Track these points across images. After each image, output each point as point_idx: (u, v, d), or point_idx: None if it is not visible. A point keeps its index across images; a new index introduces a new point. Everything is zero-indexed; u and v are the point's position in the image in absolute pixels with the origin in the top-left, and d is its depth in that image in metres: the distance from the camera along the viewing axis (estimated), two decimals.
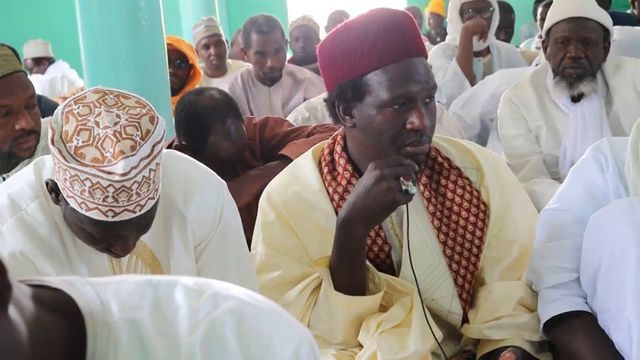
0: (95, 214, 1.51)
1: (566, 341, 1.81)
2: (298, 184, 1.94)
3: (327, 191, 1.91)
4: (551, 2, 3.12)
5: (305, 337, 0.94)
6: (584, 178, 1.88)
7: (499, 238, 1.96)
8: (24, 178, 1.74)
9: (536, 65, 3.69)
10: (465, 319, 1.94)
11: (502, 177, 1.98)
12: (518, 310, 1.89)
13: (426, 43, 4.18)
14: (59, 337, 0.83)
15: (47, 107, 3.58)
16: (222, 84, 4.38)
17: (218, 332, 0.89)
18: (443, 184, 1.93)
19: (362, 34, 1.78)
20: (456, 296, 1.91)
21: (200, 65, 4.54)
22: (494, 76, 3.98)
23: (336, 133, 1.98)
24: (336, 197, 1.90)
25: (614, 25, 3.11)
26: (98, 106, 1.51)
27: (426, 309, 1.83)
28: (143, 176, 1.50)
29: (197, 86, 3.91)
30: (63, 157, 1.49)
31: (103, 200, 1.49)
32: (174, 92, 3.63)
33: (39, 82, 6.27)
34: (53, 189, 1.58)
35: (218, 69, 4.86)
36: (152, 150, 1.51)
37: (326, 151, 1.96)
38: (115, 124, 1.49)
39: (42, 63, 6.90)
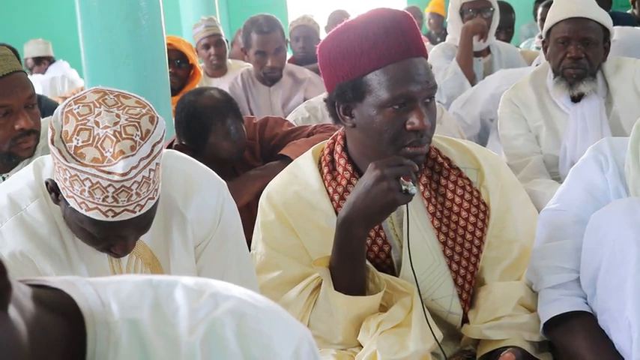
0: (95, 214, 1.51)
1: (566, 341, 1.81)
2: (298, 184, 1.94)
3: (327, 191, 1.91)
4: (552, 2, 3.12)
5: (305, 337, 0.94)
6: (584, 178, 1.88)
7: (499, 238, 1.96)
8: (24, 177, 1.74)
9: (537, 65, 3.69)
10: (465, 319, 1.94)
11: (502, 177, 1.98)
12: (518, 310, 1.89)
13: (426, 43, 4.19)
14: (59, 337, 0.83)
15: (47, 107, 3.58)
16: (222, 84, 4.38)
17: (218, 332, 0.88)
18: (443, 184, 1.92)
19: (362, 34, 1.78)
20: (455, 296, 1.91)
21: (200, 65, 4.54)
22: (494, 76, 3.98)
23: (336, 133, 1.98)
24: (336, 197, 1.90)
25: (614, 25, 3.11)
26: (98, 105, 1.51)
27: (426, 309, 1.83)
28: (143, 176, 1.50)
29: (197, 86, 3.91)
30: (63, 156, 1.49)
31: (103, 200, 1.49)
32: (174, 92, 3.63)
33: (39, 82, 6.28)
34: (53, 189, 1.58)
35: (218, 69, 4.86)
36: (152, 150, 1.51)
37: (326, 151, 1.96)
38: (115, 124, 1.49)
39: (42, 62, 6.90)
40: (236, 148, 2.65)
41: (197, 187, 1.79)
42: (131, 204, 1.51)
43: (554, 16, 3.00)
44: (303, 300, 1.87)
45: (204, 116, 2.62)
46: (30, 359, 0.79)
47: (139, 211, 1.54)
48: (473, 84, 4.17)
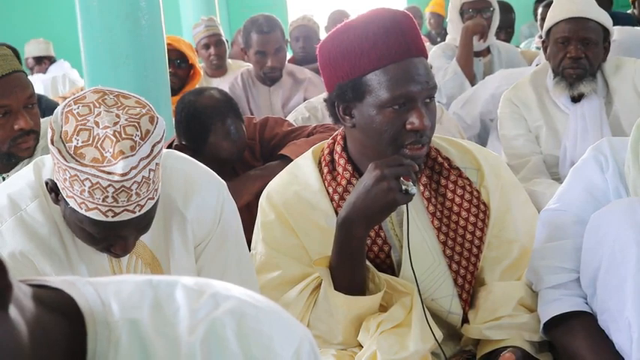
0: (95, 214, 1.51)
1: (566, 341, 1.81)
2: (298, 184, 1.94)
3: (327, 191, 1.91)
4: (552, 2, 3.12)
5: (305, 337, 0.94)
6: (584, 178, 1.88)
7: (499, 238, 1.96)
8: (24, 178, 1.73)
9: (537, 65, 3.69)
10: (465, 319, 1.94)
11: (502, 177, 1.98)
12: (518, 310, 1.89)
13: (426, 44, 4.19)
14: (59, 337, 0.83)
15: (47, 107, 3.58)
16: (222, 84, 4.38)
17: (218, 332, 0.89)
18: (443, 184, 1.92)
19: (362, 34, 1.78)
20: (455, 296, 1.91)
21: (200, 65, 4.54)
22: (494, 76, 3.98)
23: (336, 133, 1.98)
24: (336, 197, 1.90)
25: (614, 25, 3.11)
26: (98, 106, 1.51)
27: (425, 309, 1.83)
28: (143, 176, 1.50)
29: (197, 86, 3.91)
30: (62, 157, 1.49)
31: (103, 200, 1.49)
32: (174, 92, 3.63)
33: (40, 82, 6.28)
34: (53, 189, 1.58)
35: (218, 69, 4.86)
36: (152, 150, 1.51)
37: (326, 151, 1.96)
38: (115, 124, 1.49)
39: (43, 62, 6.90)
40: (236, 148, 2.65)
41: (197, 187, 1.79)
42: (131, 204, 1.51)
43: (554, 16, 3.00)
44: (303, 300, 1.87)
45: (204, 116, 2.62)
46: (30, 359, 0.79)
47: (139, 211, 1.54)
48: (473, 84, 4.17)
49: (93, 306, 0.86)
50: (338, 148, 1.93)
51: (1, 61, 2.14)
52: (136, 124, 1.50)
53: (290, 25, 5.15)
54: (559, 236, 1.87)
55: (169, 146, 2.67)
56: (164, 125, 1.56)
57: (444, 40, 4.68)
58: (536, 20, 5.87)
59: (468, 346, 1.95)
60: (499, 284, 1.94)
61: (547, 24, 3.04)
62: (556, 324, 1.82)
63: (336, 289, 1.81)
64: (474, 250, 1.92)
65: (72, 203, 1.53)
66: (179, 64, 4.19)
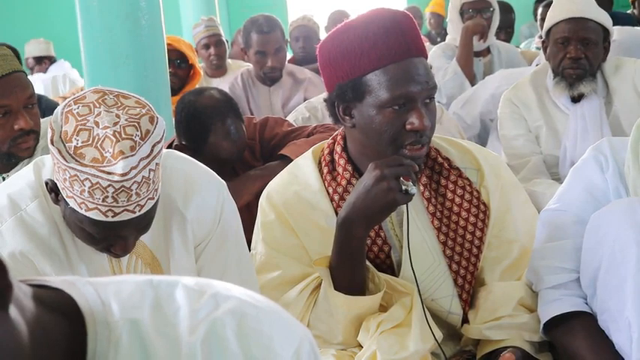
0: (95, 214, 1.51)
1: (566, 341, 1.81)
2: (298, 184, 1.94)
3: (327, 191, 1.91)
4: (552, 2, 3.12)
5: (305, 337, 0.94)
6: (584, 178, 1.88)
7: (499, 238, 1.96)
8: (24, 178, 1.73)
9: (537, 65, 3.69)
10: (465, 320, 1.94)
11: (502, 177, 1.98)
12: (518, 310, 1.89)
13: (426, 44, 4.18)
14: (60, 337, 0.84)
15: (47, 107, 3.58)
16: (222, 84, 4.38)
17: (219, 332, 0.89)
18: (443, 185, 1.92)
19: (362, 34, 1.78)
20: (455, 296, 1.91)
21: (200, 65, 4.54)
22: (494, 76, 3.98)
23: (336, 133, 1.98)
24: (336, 197, 1.90)
25: (614, 25, 3.11)
26: (98, 106, 1.51)
27: (425, 309, 1.83)
28: (143, 176, 1.50)
29: (197, 86, 3.91)
30: (62, 157, 1.49)
31: (103, 200, 1.49)
32: (174, 92, 3.63)
33: (41, 81, 6.28)
34: (53, 189, 1.58)
35: (218, 69, 4.86)
36: (152, 150, 1.51)
37: (326, 151, 1.96)
38: (115, 124, 1.49)
39: (43, 62, 6.91)
40: (236, 148, 2.65)
41: (197, 187, 1.79)
42: (131, 204, 1.51)
43: (554, 16, 3.00)
44: (303, 300, 1.87)
45: (204, 116, 2.62)
46: (30, 359, 0.79)
47: (139, 211, 1.54)
48: (473, 84, 4.17)
49: (93, 306, 0.86)
50: (338, 148, 1.93)
51: (1, 61, 2.14)
52: (136, 124, 1.50)
53: (290, 25, 5.15)
54: (559, 236, 1.87)
55: (169, 146, 2.67)
56: (164, 125, 1.56)
57: (444, 40, 4.68)
58: (536, 20, 5.87)
59: (468, 346, 1.95)
60: (499, 284, 1.94)
61: (547, 24, 3.04)
62: (556, 324, 1.83)
63: (336, 289, 1.81)
64: (474, 250, 1.92)
65: (72, 203, 1.53)
66: (179, 64, 4.19)
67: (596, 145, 1.90)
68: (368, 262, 1.86)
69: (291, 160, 2.13)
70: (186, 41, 4.48)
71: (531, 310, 1.90)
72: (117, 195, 1.49)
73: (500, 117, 3.21)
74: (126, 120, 1.50)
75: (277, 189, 1.96)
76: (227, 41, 5.15)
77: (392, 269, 1.91)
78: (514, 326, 1.86)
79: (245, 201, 2.57)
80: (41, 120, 2.24)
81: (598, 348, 1.74)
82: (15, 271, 0.77)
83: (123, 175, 1.47)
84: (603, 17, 2.96)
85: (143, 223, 1.60)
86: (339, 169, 1.91)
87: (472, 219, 1.91)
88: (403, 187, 1.72)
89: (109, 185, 1.47)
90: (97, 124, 1.49)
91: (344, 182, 1.89)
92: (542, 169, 3.07)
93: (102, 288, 0.89)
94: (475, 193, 1.93)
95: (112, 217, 1.52)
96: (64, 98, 4.40)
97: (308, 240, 1.90)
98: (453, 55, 4.31)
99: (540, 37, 3.70)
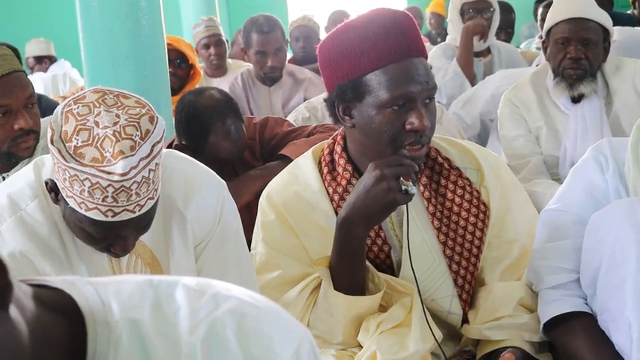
0: (94, 214, 1.51)
1: (566, 342, 1.81)
2: (298, 184, 1.94)
3: (327, 191, 1.91)
4: (552, 3, 3.12)
5: (305, 337, 0.94)
6: (584, 178, 1.88)
7: (499, 238, 1.96)
8: (23, 177, 1.73)
9: (537, 66, 3.69)
10: (465, 320, 1.93)
11: (502, 177, 1.98)
12: (518, 310, 1.89)
13: (427, 44, 4.18)
14: (60, 337, 0.83)
15: (48, 107, 3.58)
16: (222, 84, 4.38)
17: (219, 332, 0.89)
18: (443, 185, 1.92)
19: (362, 34, 1.78)
20: (455, 296, 1.91)
21: (200, 65, 4.54)
22: (494, 77, 3.98)
23: (336, 133, 1.97)
24: (336, 197, 1.90)
25: (614, 25, 3.11)
26: (98, 105, 1.51)
27: (425, 309, 1.83)
28: (143, 176, 1.50)
29: (197, 86, 3.91)
30: (62, 156, 1.49)
31: (103, 200, 1.49)
32: (174, 92, 3.63)
33: (41, 80, 6.28)
34: (53, 189, 1.58)
35: (218, 69, 4.86)
36: (152, 150, 1.51)
37: (326, 151, 1.96)
38: (115, 124, 1.49)
39: (44, 62, 6.91)
40: (236, 148, 2.65)
41: (197, 187, 1.79)
42: (131, 204, 1.51)
43: (554, 16, 3.00)
44: (302, 300, 1.87)
45: (204, 116, 2.62)
46: (30, 359, 0.79)
47: (139, 211, 1.54)
48: (473, 84, 4.17)
49: (93, 306, 0.86)
50: (338, 148, 1.93)
51: (1, 60, 2.13)
52: (136, 124, 1.50)
53: (290, 25, 5.15)
54: (559, 236, 1.87)
55: (169, 146, 2.67)
56: (164, 125, 1.56)
57: (445, 41, 4.68)
58: (536, 20, 5.88)
59: (468, 346, 1.95)
60: (499, 284, 1.94)
61: (547, 24, 3.04)
62: (556, 324, 1.82)
63: (336, 289, 1.81)
64: (474, 250, 1.92)
65: (72, 203, 1.53)
66: (179, 64, 4.19)
67: (596, 145, 1.90)
68: (368, 262, 1.86)
69: (291, 160, 2.13)
70: (186, 41, 4.48)
71: (531, 310, 1.90)
72: (117, 195, 1.49)
73: (501, 117, 3.21)
74: (126, 120, 1.50)
75: (277, 189, 1.96)
76: (227, 41, 5.14)
77: (392, 269, 1.91)
78: (514, 326, 1.86)
79: (245, 201, 2.57)
80: (41, 120, 2.24)
81: (598, 348, 1.74)
82: (15, 271, 0.77)
83: (123, 174, 1.47)
84: (603, 17, 2.96)
85: (143, 223, 1.60)
86: (339, 169, 1.91)
87: (472, 219, 1.91)
88: (403, 187, 1.72)
89: (109, 185, 1.47)
90: (96, 123, 1.49)
91: (344, 182, 1.89)
92: (543, 170, 3.07)
93: (102, 288, 0.89)
94: (475, 193, 1.93)
95: (112, 216, 1.52)
96: (64, 98, 4.40)
97: (308, 240, 1.90)
98: (454, 55, 4.31)
99: (540, 37, 3.70)
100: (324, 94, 1.92)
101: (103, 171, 1.47)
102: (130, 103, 1.54)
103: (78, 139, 1.48)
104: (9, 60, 2.16)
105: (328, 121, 2.21)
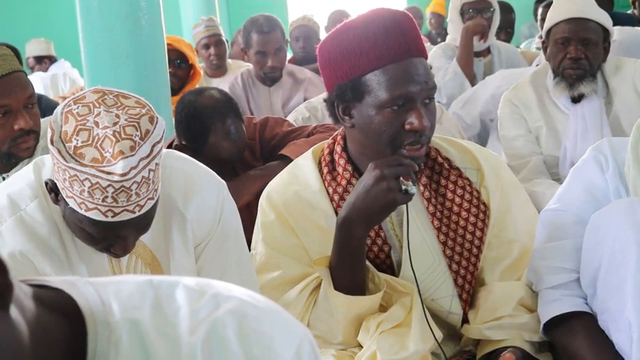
0: (94, 214, 1.51)
1: (566, 342, 1.81)
2: (298, 184, 1.94)
3: (327, 191, 1.91)
4: (552, 3, 3.12)
5: (306, 337, 0.94)
6: (584, 178, 1.88)
7: (499, 238, 1.96)
8: (23, 177, 1.73)
9: (537, 66, 3.69)
10: (465, 320, 1.94)
11: (502, 177, 1.98)
12: (518, 310, 1.89)
13: (427, 44, 4.18)
14: (60, 337, 0.84)
15: (48, 107, 3.58)
16: (222, 84, 4.38)
17: (219, 333, 0.89)
18: (443, 185, 1.92)
19: (362, 34, 1.78)
20: (455, 296, 1.91)
21: (200, 65, 4.54)
22: (494, 77, 3.98)
23: (336, 133, 1.97)
24: (336, 197, 1.90)
25: (614, 25, 3.11)
26: (97, 106, 1.51)
27: (425, 309, 1.83)
28: (142, 176, 1.50)
29: (197, 86, 3.91)
30: (62, 157, 1.49)
31: (103, 200, 1.49)
32: (174, 92, 3.63)
33: (40, 79, 6.28)
34: (52, 189, 1.58)
35: (218, 69, 4.86)
36: (151, 150, 1.51)
37: (326, 151, 1.96)
38: (115, 124, 1.49)
39: (44, 62, 6.91)
40: (236, 148, 2.65)
41: (197, 187, 1.79)
42: (131, 204, 1.51)
43: (554, 16, 3.00)
44: (302, 300, 1.87)
45: (204, 116, 2.62)
46: (31, 359, 0.79)
47: (139, 211, 1.54)
48: (473, 84, 4.17)
49: (93, 306, 0.86)
50: (338, 148, 1.93)
51: (1, 61, 2.13)
52: (136, 124, 1.50)
53: (290, 25, 5.15)
54: (559, 236, 1.87)
55: (169, 146, 2.67)
56: (164, 125, 1.56)
57: (445, 40, 4.68)
58: (536, 20, 5.88)
59: (468, 346, 1.95)
60: (499, 284, 1.94)
61: (547, 24, 3.04)
62: (556, 324, 1.83)
63: (336, 289, 1.81)
64: (474, 250, 1.92)
65: (71, 203, 1.53)
66: (179, 64, 4.19)
67: (596, 145, 1.90)
68: (368, 262, 1.86)
69: (291, 160, 2.13)
70: (186, 41, 4.48)
71: (531, 310, 1.90)
72: (116, 195, 1.49)
73: (501, 117, 3.21)
74: (126, 120, 1.50)
75: (277, 189, 1.96)
76: (227, 41, 5.14)
77: (392, 269, 1.91)
78: (514, 326, 1.86)
79: (245, 201, 2.57)
80: (41, 120, 2.24)
81: (598, 348, 1.74)
82: (15, 271, 0.77)
83: (123, 175, 1.47)
84: (603, 17, 2.96)
85: (143, 223, 1.60)
86: (339, 169, 1.91)
87: (472, 219, 1.91)
88: (403, 187, 1.72)
89: (109, 185, 1.47)
90: (96, 124, 1.49)
91: (344, 182, 1.89)
92: (543, 170, 3.07)
93: (102, 288, 0.89)
94: (475, 193, 1.93)
95: (112, 217, 1.52)
96: (64, 98, 4.40)
97: (308, 240, 1.90)
98: (454, 55, 4.31)
99: (540, 37, 3.70)
100: (324, 94, 1.92)
101: (103, 171, 1.47)
102: (129, 103, 1.54)
103: (78, 140, 1.48)
104: (9, 60, 2.15)
105: (328, 121, 2.21)
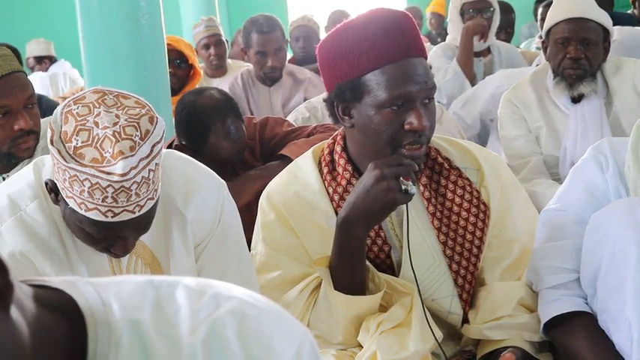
0: (94, 215, 1.51)
1: (566, 341, 1.81)
2: (298, 184, 1.94)
3: (327, 191, 1.91)
4: (552, 2, 3.12)
5: (306, 338, 0.94)
6: (584, 178, 1.88)
7: (499, 238, 1.96)
8: (23, 178, 1.73)
9: (537, 66, 3.69)
10: (465, 320, 1.93)
11: (502, 177, 1.98)
12: (518, 310, 1.89)
13: (427, 44, 4.17)
14: (60, 338, 0.84)
15: (48, 107, 3.58)
16: (222, 84, 4.38)
17: (219, 333, 0.89)
18: (443, 185, 1.92)
19: (361, 35, 1.78)
20: (456, 296, 1.91)
21: (200, 65, 4.54)
22: (494, 76, 3.98)
23: (336, 133, 1.97)
24: (336, 197, 1.90)
25: (614, 25, 3.11)
26: (97, 106, 1.51)
27: (426, 309, 1.83)
28: (142, 177, 1.50)
29: (197, 86, 3.91)
30: (62, 157, 1.49)
31: (103, 201, 1.49)
32: (174, 92, 3.63)
33: (40, 78, 6.28)
34: (52, 189, 1.58)
35: (218, 69, 4.86)
36: (151, 150, 1.51)
37: (326, 151, 1.96)
38: (115, 124, 1.49)
39: (44, 62, 6.91)
40: (236, 148, 2.65)
41: (197, 187, 1.79)
42: (130, 204, 1.51)
43: (553, 16, 3.00)
44: (303, 300, 1.87)
45: (204, 116, 2.62)
46: (31, 359, 0.79)
47: (139, 211, 1.54)
48: (473, 84, 4.17)
49: (93, 306, 0.86)
50: (338, 148, 1.93)
51: (1, 61, 2.13)
52: (136, 125, 1.50)
53: (290, 25, 5.15)
54: (559, 236, 1.87)
55: (169, 146, 2.67)
56: (164, 125, 1.56)
57: (445, 40, 4.68)
58: (536, 20, 5.88)
59: (468, 346, 1.95)
60: (499, 284, 1.94)
61: (547, 24, 3.04)
62: (556, 324, 1.83)
63: (336, 289, 1.81)
64: (474, 250, 1.92)
65: (71, 203, 1.53)
66: (179, 64, 4.19)
67: (596, 145, 1.90)
68: (368, 262, 1.86)
69: (291, 160, 2.13)
70: (186, 41, 4.48)
71: (531, 310, 1.90)
72: (116, 195, 1.49)
73: (501, 117, 3.21)
74: (125, 120, 1.50)
75: (277, 189, 1.96)
76: (227, 41, 5.14)
77: (392, 269, 1.91)
78: (514, 326, 1.86)
79: (245, 201, 2.57)
80: (41, 120, 2.24)
81: (598, 348, 1.74)
82: (15, 272, 0.77)
83: (122, 175, 1.47)
84: (603, 17, 2.96)
85: (143, 223, 1.60)
86: (339, 169, 1.91)
87: (472, 219, 1.91)
88: (403, 187, 1.72)
89: (109, 185, 1.47)
90: (96, 124, 1.49)
91: (344, 182, 1.89)
92: (543, 170, 3.07)
93: (102, 288, 0.89)
94: (475, 193, 1.93)
95: (112, 217, 1.52)
96: (64, 98, 4.40)
97: (308, 240, 1.90)
98: (454, 55, 4.31)
99: (540, 37, 3.70)
100: (324, 94, 1.92)
101: (103, 171, 1.47)
102: (129, 103, 1.54)
103: (78, 140, 1.48)
104: (9, 60, 2.15)
105: (328, 121, 2.21)
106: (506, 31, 5.06)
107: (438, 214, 1.90)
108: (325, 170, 1.93)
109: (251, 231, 1.99)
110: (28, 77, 2.26)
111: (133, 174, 1.48)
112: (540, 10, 5.34)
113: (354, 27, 1.81)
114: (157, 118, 1.54)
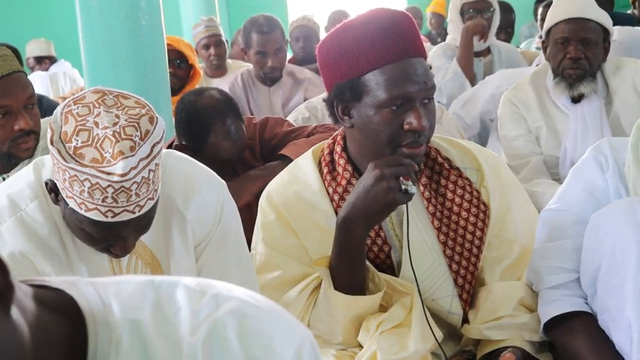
0: (94, 215, 1.51)
1: (566, 341, 1.81)
2: (298, 184, 1.94)
3: (327, 191, 1.91)
4: (552, 2, 3.12)
5: (306, 338, 0.94)
6: (584, 178, 1.88)
7: (499, 238, 1.96)
8: (23, 178, 1.73)
9: (537, 66, 3.69)
10: (465, 320, 1.93)
11: (502, 177, 1.98)
12: (518, 310, 1.89)
13: (427, 44, 4.17)
14: (60, 338, 0.84)
15: (48, 107, 3.59)
16: (222, 84, 4.38)
17: (220, 333, 0.89)
18: (443, 185, 1.92)
19: (360, 35, 1.78)
20: (456, 296, 1.91)
21: (200, 65, 4.54)
22: (494, 76, 3.98)
23: (336, 133, 1.98)
24: (336, 197, 1.90)
25: (614, 25, 3.11)
26: (97, 106, 1.51)
27: (426, 309, 1.83)
28: (142, 177, 1.50)
29: (197, 86, 3.91)
30: (62, 157, 1.49)
31: (103, 201, 1.49)
32: (174, 92, 3.63)
33: (40, 78, 6.28)
34: (52, 189, 1.58)
35: (218, 69, 4.86)
36: (151, 150, 1.51)
37: (326, 151, 1.96)
38: (115, 124, 1.49)
39: (44, 62, 6.91)
40: (236, 148, 2.65)
41: (197, 187, 1.79)
42: (130, 204, 1.51)
43: (553, 16, 3.00)
44: (303, 300, 1.87)
45: (204, 116, 2.62)
46: (32, 359, 0.79)
47: (139, 211, 1.54)
48: (473, 84, 4.17)
49: (94, 306, 0.86)
50: (338, 148, 1.93)
51: (1, 61, 2.13)
52: (136, 125, 1.50)
53: (290, 25, 5.15)
54: (559, 236, 1.87)
55: (169, 146, 2.67)
56: (164, 125, 1.56)
57: (445, 40, 4.68)
58: (536, 20, 5.88)
59: (468, 346, 1.95)
60: (499, 284, 1.94)
61: (547, 24, 3.04)
62: (556, 324, 1.83)
63: (336, 289, 1.81)
64: (474, 250, 1.92)
65: (71, 204, 1.53)
66: (179, 64, 4.19)
67: (596, 145, 1.90)
68: (368, 262, 1.86)
69: (291, 160, 2.13)
70: (186, 41, 4.48)
71: (531, 310, 1.90)
72: (116, 195, 1.49)
73: (501, 117, 3.21)
74: (125, 120, 1.50)
75: (277, 189, 1.96)
76: (227, 41, 5.14)
77: (392, 269, 1.91)
78: (514, 326, 1.86)
79: (245, 201, 2.57)
80: (41, 120, 2.24)
81: (598, 348, 1.75)
82: (15, 272, 0.77)
83: (122, 175, 1.47)
84: (603, 17, 2.96)
85: (143, 223, 1.60)
86: (339, 169, 1.91)
87: (472, 219, 1.91)
88: (403, 187, 1.72)
89: (109, 186, 1.47)
90: (96, 124, 1.49)
91: (344, 182, 1.89)
92: (543, 170, 3.07)
93: (102, 288, 0.89)
94: (475, 193, 1.93)
95: (112, 217, 1.52)
96: (64, 99, 4.40)
97: (308, 240, 1.90)
98: (454, 55, 4.31)
99: (540, 37, 3.70)
100: (324, 94, 1.92)
101: (103, 171, 1.47)
102: (129, 103, 1.54)
103: (78, 140, 1.48)
104: (9, 60, 2.15)
105: (328, 121, 2.21)
106: (506, 31, 5.06)
107: (438, 214, 1.90)
108: (325, 170, 1.93)
109: (251, 231, 1.99)
110: (28, 77, 2.26)
111: (133, 174, 1.48)
112: (540, 10, 5.33)
113: (353, 27, 1.81)
114: (157, 118, 1.54)
